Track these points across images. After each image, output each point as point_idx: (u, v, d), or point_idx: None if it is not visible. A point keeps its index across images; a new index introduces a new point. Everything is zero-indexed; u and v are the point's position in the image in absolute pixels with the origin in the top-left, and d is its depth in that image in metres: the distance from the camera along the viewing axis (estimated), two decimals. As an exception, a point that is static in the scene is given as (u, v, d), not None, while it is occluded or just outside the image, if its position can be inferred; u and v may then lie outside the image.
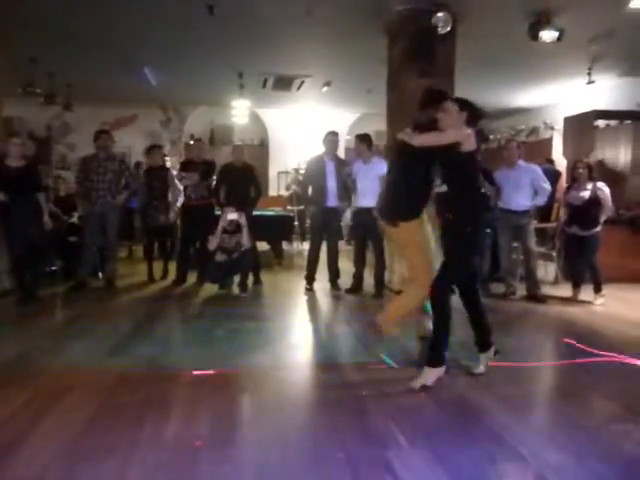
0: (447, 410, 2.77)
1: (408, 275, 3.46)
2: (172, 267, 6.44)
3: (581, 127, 7.83)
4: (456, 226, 3.09)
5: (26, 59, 7.17)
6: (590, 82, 7.64)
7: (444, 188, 3.17)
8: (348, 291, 5.85)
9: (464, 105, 3.10)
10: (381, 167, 5.69)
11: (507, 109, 11.15)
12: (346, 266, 6.19)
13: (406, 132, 3.17)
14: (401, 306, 3.52)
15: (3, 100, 5.69)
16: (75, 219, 6.78)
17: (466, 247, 3.15)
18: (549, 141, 10.24)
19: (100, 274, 6.29)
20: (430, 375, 3.04)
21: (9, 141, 5.16)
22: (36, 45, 6.77)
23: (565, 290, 5.89)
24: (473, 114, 3.12)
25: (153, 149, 6.69)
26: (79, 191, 6.04)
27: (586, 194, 5.54)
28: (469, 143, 3.00)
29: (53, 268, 6.09)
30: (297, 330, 4.60)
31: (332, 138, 5.94)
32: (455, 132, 3.00)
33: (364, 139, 5.78)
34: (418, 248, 3.29)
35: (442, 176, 3.19)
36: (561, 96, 9.64)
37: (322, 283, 6.08)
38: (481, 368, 3.27)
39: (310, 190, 6.00)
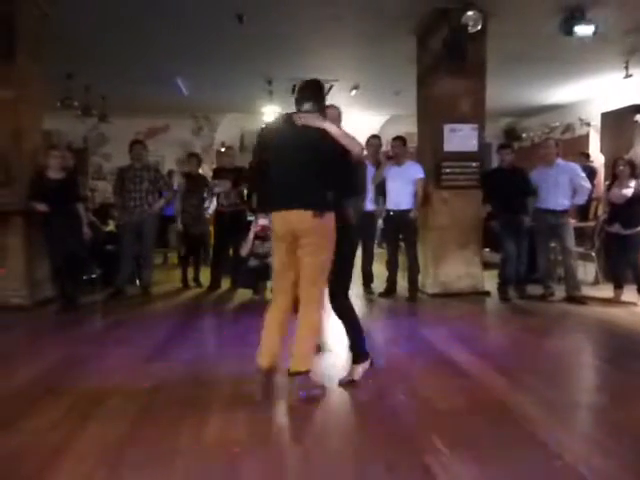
0: (487, 414, 2.71)
1: (312, 281, 2.96)
2: (205, 274, 6.53)
3: (619, 123, 7.59)
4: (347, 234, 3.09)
5: (63, 75, 7.42)
6: (627, 76, 7.41)
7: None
8: (382, 295, 5.82)
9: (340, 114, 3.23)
10: (414, 170, 5.67)
11: (540, 106, 10.90)
12: (379, 270, 6.16)
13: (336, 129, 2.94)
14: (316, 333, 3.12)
15: (43, 114, 5.87)
16: (111, 228, 6.96)
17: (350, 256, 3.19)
18: (585, 138, 9.96)
19: (137, 281, 6.42)
20: (357, 371, 3.15)
21: (49, 154, 5.33)
22: (72, 60, 6.97)
23: (606, 291, 5.71)
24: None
25: (191, 157, 6.80)
26: (117, 201, 6.19)
27: (629, 192, 5.37)
28: (358, 153, 2.99)
29: (92, 276, 6.25)
30: (330, 334, 4.58)
31: (373, 142, 5.89)
32: (354, 138, 2.97)
33: (401, 141, 5.74)
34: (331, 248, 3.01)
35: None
36: (597, 91, 9.36)
37: (355, 287, 6.05)
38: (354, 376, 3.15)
39: None
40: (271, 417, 2.77)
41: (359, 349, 3.21)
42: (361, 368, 3.18)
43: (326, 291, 3.09)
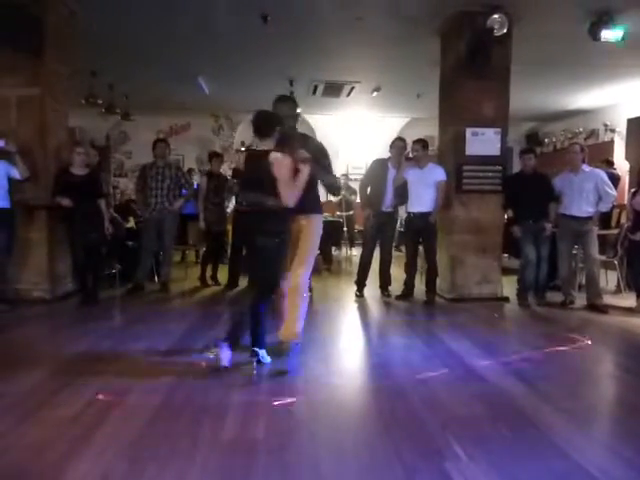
0: (506, 421, 2.67)
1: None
2: (223, 272, 6.57)
3: (645, 129, 7.46)
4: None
5: (87, 72, 7.53)
6: (655, 82, 7.28)
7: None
8: (399, 297, 5.79)
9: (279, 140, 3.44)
10: (437, 173, 5.64)
11: (563, 111, 10.77)
12: (396, 272, 6.13)
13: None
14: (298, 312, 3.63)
15: (68, 111, 5.96)
16: (132, 224, 7.04)
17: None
18: (609, 144, 9.81)
19: (156, 278, 6.49)
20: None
21: (73, 150, 5.41)
22: (96, 58, 7.08)
23: (628, 300, 5.62)
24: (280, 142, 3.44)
25: (213, 156, 6.86)
26: (139, 198, 6.26)
27: (653, 199, 5.28)
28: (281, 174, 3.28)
29: (112, 271, 6.33)
30: (348, 336, 4.58)
31: (399, 144, 5.87)
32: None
33: (421, 144, 5.71)
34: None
35: None
36: (623, 97, 9.22)
37: (372, 289, 6.04)
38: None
39: (369, 191, 5.96)
40: (289, 416, 2.78)
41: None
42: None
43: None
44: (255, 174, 3.39)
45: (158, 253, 6.36)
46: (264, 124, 3.43)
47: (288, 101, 3.87)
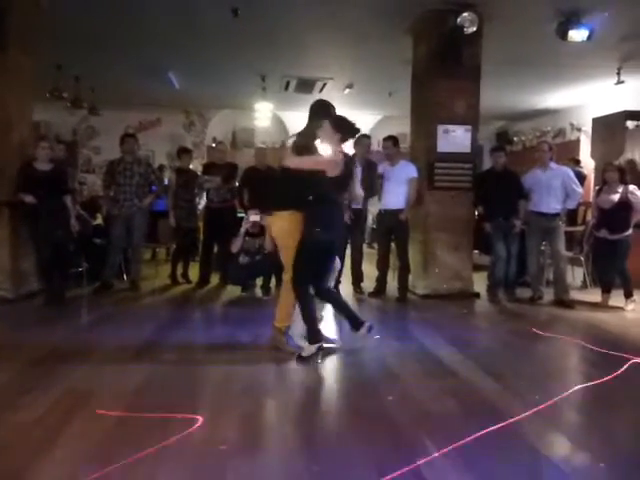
0: (476, 416, 2.70)
1: (288, 272, 3.73)
2: (194, 269, 6.47)
3: (610, 128, 7.64)
4: (308, 233, 3.55)
5: (52, 65, 7.31)
6: (619, 82, 7.47)
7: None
8: (371, 294, 5.81)
9: (339, 127, 3.57)
10: (408, 169, 5.66)
11: (532, 110, 10.98)
12: (369, 269, 6.14)
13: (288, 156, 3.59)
14: (288, 304, 3.76)
15: (32, 105, 5.78)
16: (99, 221, 6.87)
17: (307, 252, 3.57)
18: (576, 143, 10.04)
19: (124, 276, 6.36)
20: (309, 349, 3.57)
21: (37, 145, 5.24)
22: (62, 50, 6.88)
23: (594, 295, 5.75)
24: (346, 135, 3.64)
25: (183, 152, 6.73)
26: (106, 194, 6.11)
27: (616, 197, 5.41)
28: (332, 170, 3.52)
29: (79, 269, 6.16)
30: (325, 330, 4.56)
31: (364, 141, 5.86)
32: (321, 160, 3.57)
33: (392, 141, 5.72)
34: (292, 247, 3.59)
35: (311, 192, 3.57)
36: (589, 97, 9.44)
37: (345, 286, 6.03)
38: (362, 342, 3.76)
39: None
40: (260, 416, 2.75)
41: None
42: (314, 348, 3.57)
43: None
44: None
45: (127, 251, 6.22)
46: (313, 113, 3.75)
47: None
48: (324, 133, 3.57)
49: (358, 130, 3.77)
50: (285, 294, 3.79)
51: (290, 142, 3.68)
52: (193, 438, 2.39)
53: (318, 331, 3.67)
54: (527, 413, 2.73)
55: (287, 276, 3.73)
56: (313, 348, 3.57)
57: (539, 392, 3.06)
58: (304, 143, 3.61)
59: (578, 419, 2.88)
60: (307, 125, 3.72)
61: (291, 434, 2.53)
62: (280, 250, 3.82)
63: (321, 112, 3.68)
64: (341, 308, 3.90)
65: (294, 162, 3.57)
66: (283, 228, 3.69)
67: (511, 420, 2.63)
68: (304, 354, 3.56)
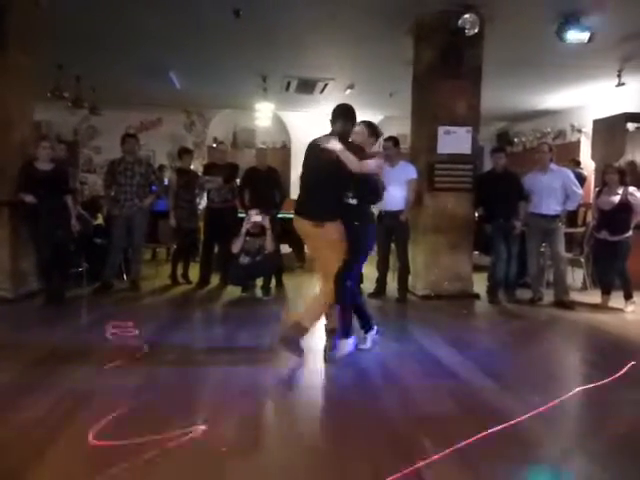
0: (475, 417, 2.70)
1: (323, 274, 3.72)
2: (194, 270, 6.48)
3: (611, 130, 7.64)
4: (360, 231, 3.62)
5: (54, 65, 7.31)
6: (620, 84, 7.47)
7: (353, 201, 3.61)
8: (371, 295, 5.80)
9: (373, 131, 3.75)
10: (408, 171, 5.65)
11: (533, 111, 10.98)
12: (369, 270, 6.13)
13: (338, 148, 3.42)
14: (321, 303, 3.74)
15: (33, 105, 5.78)
16: (100, 221, 6.87)
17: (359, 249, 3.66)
18: (576, 144, 10.04)
19: (125, 276, 6.36)
20: (346, 345, 3.68)
21: (38, 145, 5.25)
22: (63, 50, 6.88)
23: (594, 297, 5.76)
24: (377, 139, 3.88)
25: (184, 153, 6.73)
26: (107, 194, 6.11)
27: (616, 199, 5.42)
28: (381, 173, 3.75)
29: (79, 269, 6.17)
30: (320, 335, 4.56)
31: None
32: (380, 164, 3.68)
33: (392, 141, 5.72)
34: (339, 249, 3.57)
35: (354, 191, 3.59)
36: (589, 98, 9.45)
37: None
38: (367, 344, 3.83)
39: None
40: (259, 417, 2.75)
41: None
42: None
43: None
44: None
45: (127, 251, 6.23)
46: (347, 114, 3.75)
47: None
48: (359, 136, 3.67)
49: (382, 134, 4.01)
50: (319, 301, 3.76)
51: (335, 144, 3.43)
52: (193, 440, 2.40)
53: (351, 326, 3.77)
54: (527, 415, 2.73)
55: (328, 287, 3.65)
56: (349, 343, 3.71)
57: (540, 394, 3.06)
58: (356, 147, 3.57)
59: (578, 422, 2.88)
60: (339, 127, 3.67)
61: (290, 435, 2.53)
62: (318, 259, 3.81)
63: (352, 116, 3.72)
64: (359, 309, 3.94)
65: (362, 166, 3.45)
66: (334, 237, 3.59)
67: (511, 422, 2.63)
68: (341, 352, 3.65)
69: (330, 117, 3.73)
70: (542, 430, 2.58)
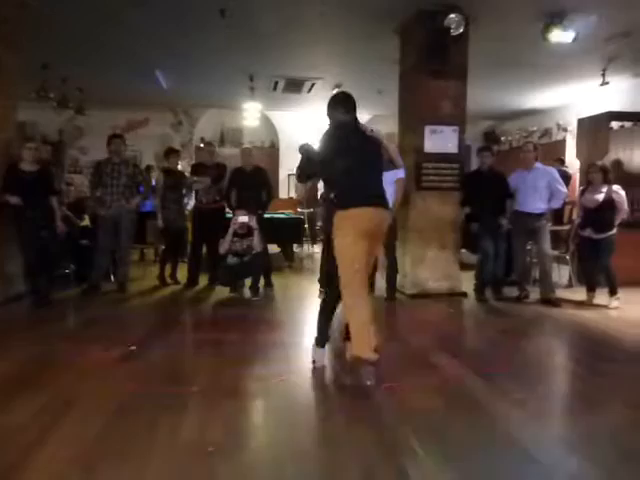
0: (462, 414, 2.73)
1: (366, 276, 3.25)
2: (182, 270, 6.46)
3: (595, 129, 7.73)
4: None
5: (39, 64, 7.24)
6: (604, 83, 7.56)
7: None
8: (360, 294, 5.81)
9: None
10: (396, 170, 5.65)
11: (519, 110, 11.07)
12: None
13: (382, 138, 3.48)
14: (362, 323, 3.08)
15: (17, 105, 5.72)
16: (86, 222, 6.82)
17: None
18: (562, 143, 10.16)
19: (112, 277, 6.32)
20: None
21: (23, 146, 5.20)
22: (48, 50, 6.82)
23: (579, 294, 5.82)
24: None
25: (170, 153, 6.70)
26: (93, 195, 6.06)
27: (600, 197, 5.48)
28: None
29: (66, 271, 6.12)
30: (310, 334, 4.57)
31: None
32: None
33: None
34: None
35: None
36: (574, 97, 9.56)
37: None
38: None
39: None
40: (246, 417, 2.76)
41: None
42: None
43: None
44: None
45: (115, 252, 6.19)
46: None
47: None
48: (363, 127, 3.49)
49: None
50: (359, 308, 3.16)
51: (378, 134, 3.45)
52: (180, 441, 2.40)
53: None
54: (513, 411, 2.77)
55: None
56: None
57: (526, 391, 3.09)
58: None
59: (563, 417, 2.92)
60: (350, 116, 3.29)
61: (278, 436, 2.53)
62: (370, 256, 3.26)
63: (355, 106, 3.36)
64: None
65: (393, 148, 3.52)
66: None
67: (497, 417, 2.66)
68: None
69: (342, 107, 3.27)
70: (529, 427, 2.60)
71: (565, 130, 10.14)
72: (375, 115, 11.67)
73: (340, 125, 3.29)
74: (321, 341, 3.50)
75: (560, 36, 5.67)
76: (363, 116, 11.85)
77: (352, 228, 3.08)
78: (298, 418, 2.73)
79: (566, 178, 7.67)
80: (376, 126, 3.76)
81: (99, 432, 2.47)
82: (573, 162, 9.12)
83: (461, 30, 5.38)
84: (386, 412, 2.76)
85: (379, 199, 3.20)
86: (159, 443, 2.37)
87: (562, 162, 8.82)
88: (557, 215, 7.03)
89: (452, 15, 5.29)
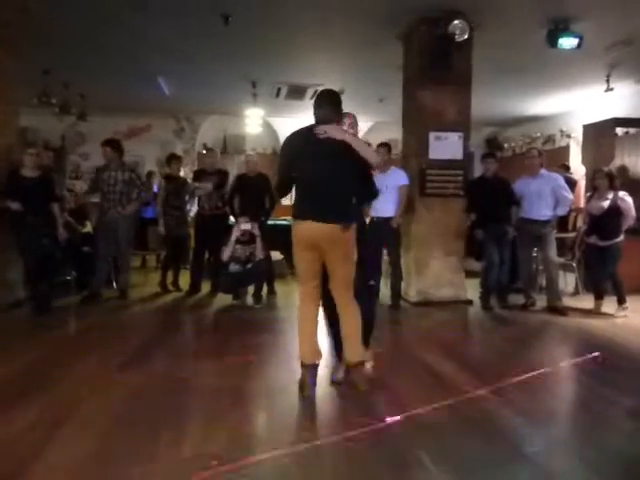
0: (472, 428, 2.66)
1: (345, 288, 3.14)
2: (184, 277, 6.40)
3: (600, 135, 7.69)
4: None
5: (41, 70, 7.22)
6: (609, 89, 7.52)
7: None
8: (364, 302, 5.75)
9: (356, 123, 3.46)
10: (399, 177, 5.63)
11: (522, 117, 11.04)
12: (361, 277, 6.09)
13: (348, 136, 3.05)
14: (302, 333, 3.19)
15: (19, 110, 5.69)
16: (88, 229, 6.78)
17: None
18: (565, 149, 10.10)
19: (114, 284, 6.26)
20: (369, 354, 3.43)
21: (24, 151, 5.16)
22: (50, 55, 6.81)
23: (586, 301, 5.75)
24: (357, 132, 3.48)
25: (172, 159, 6.65)
26: (88, 200, 5.98)
27: (605, 203, 5.42)
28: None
29: (67, 278, 6.06)
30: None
31: None
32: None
33: (386, 147, 5.70)
34: (353, 256, 3.14)
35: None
36: (578, 104, 9.52)
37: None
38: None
39: None
40: (251, 429, 2.69)
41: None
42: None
43: None
44: None
45: (115, 259, 6.13)
46: (337, 99, 3.17)
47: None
48: (350, 128, 3.31)
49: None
50: (357, 322, 3.17)
51: (340, 132, 3.03)
52: (182, 452, 2.33)
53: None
54: (524, 424, 2.70)
55: (349, 294, 3.15)
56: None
57: (535, 402, 3.03)
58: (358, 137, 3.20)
59: (576, 431, 2.85)
60: (328, 114, 3.08)
61: (283, 447, 2.47)
62: (336, 272, 3.10)
63: (340, 102, 3.17)
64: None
65: (357, 143, 3.04)
66: (353, 242, 3.10)
67: (510, 434, 2.59)
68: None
69: (315, 102, 3.14)
70: (540, 441, 2.54)
71: (569, 136, 10.09)
72: (377, 122, 11.65)
73: (298, 131, 3.21)
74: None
75: (564, 42, 5.63)
76: (366, 123, 11.84)
77: (295, 240, 3.11)
78: (300, 428, 2.67)
79: (571, 184, 7.62)
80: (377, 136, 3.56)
81: (97, 444, 2.41)
82: (578, 168, 9.07)
83: (465, 36, 5.35)
84: (396, 428, 2.68)
85: (325, 212, 2.97)
86: (160, 456, 2.30)
87: (567, 168, 8.77)
88: (562, 222, 6.97)
89: (456, 21, 5.26)
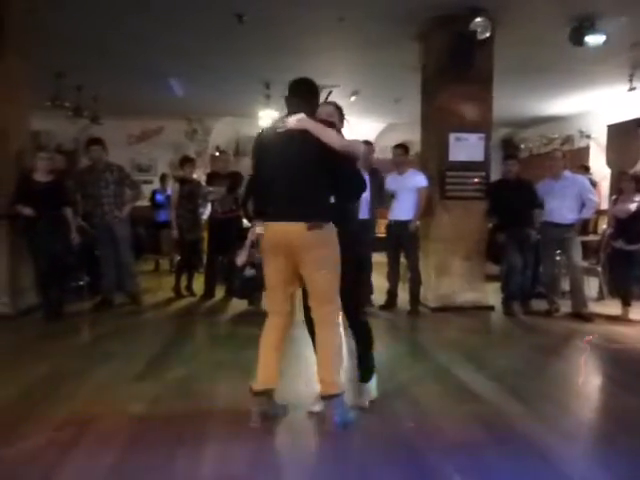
0: (504, 445, 2.51)
1: (323, 304, 2.71)
2: (198, 282, 6.30)
3: (625, 136, 7.47)
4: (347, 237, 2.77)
5: (53, 73, 7.17)
6: (631, 89, 7.31)
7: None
8: (382, 308, 5.62)
9: (342, 115, 3.01)
10: (417, 179, 5.49)
11: (538, 117, 10.83)
12: (379, 281, 5.95)
13: (310, 124, 2.62)
14: (262, 346, 2.80)
15: (31, 113, 5.62)
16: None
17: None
18: (585, 150, 9.87)
19: (121, 289, 6.13)
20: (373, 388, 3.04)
21: (37, 156, 5.09)
22: (64, 58, 6.74)
23: (612, 307, 5.56)
24: (342, 126, 2.99)
25: (186, 162, 6.52)
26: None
27: (632, 207, 5.25)
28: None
29: (80, 283, 5.98)
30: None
31: (366, 148, 5.67)
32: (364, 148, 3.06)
33: (403, 149, 5.56)
34: (337, 264, 2.70)
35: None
36: (598, 103, 9.29)
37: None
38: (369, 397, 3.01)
39: None
40: (272, 446, 2.56)
41: (369, 366, 3.06)
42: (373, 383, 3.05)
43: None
44: None
45: (119, 264, 5.96)
46: (309, 89, 2.85)
47: None
48: (330, 119, 2.83)
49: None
50: (329, 339, 2.71)
51: (302, 121, 2.62)
52: (201, 470, 2.21)
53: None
54: (557, 440, 2.54)
55: (326, 309, 2.71)
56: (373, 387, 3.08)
57: (567, 416, 2.89)
58: (328, 123, 2.70)
59: (610, 446, 2.68)
60: (297, 104, 2.74)
61: (307, 463, 2.34)
62: (314, 282, 2.68)
63: (316, 91, 2.86)
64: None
65: (314, 126, 2.61)
66: (334, 245, 2.66)
67: (541, 448, 2.44)
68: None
69: (288, 91, 2.83)
70: (575, 457, 2.39)
71: (589, 137, 9.86)
72: (390, 123, 11.50)
73: (266, 128, 2.98)
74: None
75: (589, 40, 5.45)
76: (379, 124, 11.70)
77: (260, 247, 2.84)
78: (323, 444, 2.54)
79: (592, 186, 7.42)
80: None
81: (113, 462, 2.29)
82: (599, 170, 8.85)
83: (487, 34, 5.20)
84: (421, 441, 2.53)
85: (288, 211, 2.62)
86: (178, 475, 2.18)
87: (587, 169, 8.55)
88: (583, 225, 6.78)
89: (479, 19, 5.11)
